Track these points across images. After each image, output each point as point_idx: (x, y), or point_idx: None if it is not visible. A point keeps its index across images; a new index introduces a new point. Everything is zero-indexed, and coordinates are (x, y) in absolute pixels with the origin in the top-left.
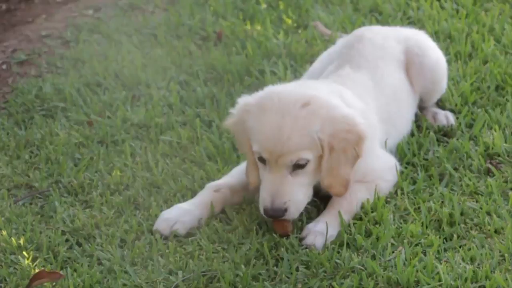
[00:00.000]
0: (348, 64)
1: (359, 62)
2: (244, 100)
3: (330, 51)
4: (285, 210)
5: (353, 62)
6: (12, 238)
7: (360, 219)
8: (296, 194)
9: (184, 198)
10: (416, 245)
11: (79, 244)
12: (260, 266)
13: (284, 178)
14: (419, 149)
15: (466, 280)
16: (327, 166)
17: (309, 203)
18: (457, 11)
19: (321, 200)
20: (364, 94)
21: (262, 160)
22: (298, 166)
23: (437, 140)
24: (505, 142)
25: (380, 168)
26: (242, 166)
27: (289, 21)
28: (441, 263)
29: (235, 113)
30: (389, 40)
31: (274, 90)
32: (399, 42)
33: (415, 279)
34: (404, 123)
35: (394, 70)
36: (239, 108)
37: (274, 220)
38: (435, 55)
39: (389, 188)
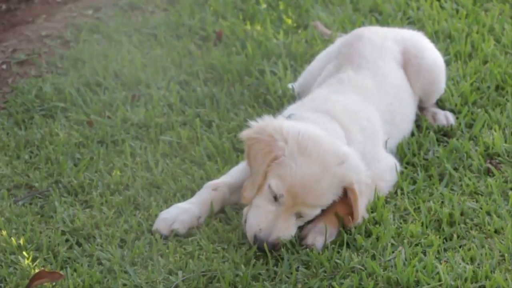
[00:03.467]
0: (349, 65)
1: (359, 62)
2: (275, 124)
3: (329, 50)
4: (277, 244)
5: (353, 62)
6: (12, 238)
7: None
8: (289, 232)
9: (184, 198)
10: (416, 245)
11: (79, 244)
12: (260, 266)
13: (289, 220)
14: (419, 149)
15: (466, 280)
16: (357, 208)
17: None
18: (457, 11)
19: None
20: (368, 99)
21: (275, 196)
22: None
23: (437, 140)
24: (505, 142)
25: (380, 169)
26: (241, 165)
27: (289, 21)
28: (441, 263)
29: (260, 132)
30: (387, 40)
31: (317, 136)
32: (397, 42)
33: (415, 279)
34: (405, 122)
35: (394, 69)
36: (268, 130)
37: None
38: (432, 56)
39: (389, 188)
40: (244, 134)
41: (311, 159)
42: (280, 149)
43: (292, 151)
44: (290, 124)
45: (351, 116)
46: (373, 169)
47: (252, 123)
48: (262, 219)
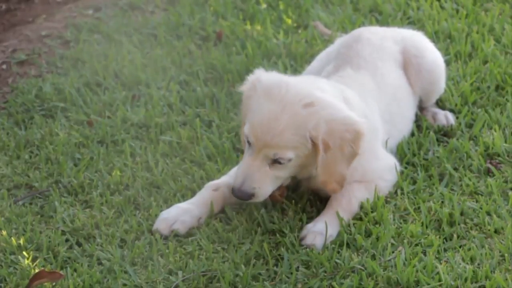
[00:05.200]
0: (348, 65)
1: (358, 63)
2: (258, 75)
3: (328, 51)
4: (252, 195)
5: (352, 62)
6: (12, 238)
7: (360, 219)
8: (266, 184)
9: (184, 198)
10: (416, 245)
11: (79, 244)
12: (260, 266)
13: (261, 167)
14: (419, 149)
15: (466, 280)
16: (323, 164)
17: (308, 203)
18: (457, 11)
19: (320, 200)
20: (367, 95)
21: (248, 142)
22: (278, 161)
23: (437, 140)
24: (505, 142)
25: (379, 168)
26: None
27: (289, 21)
28: (441, 263)
29: (247, 83)
30: (386, 41)
31: (285, 81)
32: (396, 42)
33: (415, 279)
34: (405, 122)
35: (393, 69)
36: (251, 81)
37: None
38: (432, 55)
39: (389, 188)
40: (241, 87)
41: (272, 99)
42: (252, 96)
43: (259, 96)
44: (271, 74)
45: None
46: (372, 167)
47: (248, 77)
48: (239, 171)
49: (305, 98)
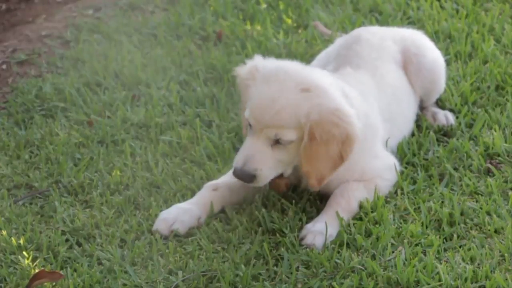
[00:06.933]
0: (348, 65)
1: (358, 63)
2: (256, 62)
3: (328, 51)
4: (254, 176)
5: (352, 63)
6: (12, 238)
7: (360, 219)
8: (268, 167)
9: (184, 198)
10: (416, 245)
11: (79, 244)
12: (260, 266)
13: (263, 147)
14: (419, 149)
15: (466, 280)
16: (305, 152)
17: (308, 203)
18: (457, 11)
19: (320, 200)
20: (367, 93)
21: (250, 125)
22: (279, 142)
23: (437, 140)
24: (505, 142)
25: (378, 167)
26: None
27: (289, 21)
28: (441, 263)
29: (245, 70)
30: (386, 41)
31: (284, 67)
32: (395, 42)
33: (415, 279)
34: (405, 122)
35: (392, 70)
36: (249, 69)
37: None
38: (432, 54)
39: (388, 187)
40: (236, 72)
41: (271, 83)
42: (251, 82)
43: (258, 81)
44: (269, 61)
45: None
46: (371, 166)
47: (245, 61)
48: (240, 152)
49: (303, 83)
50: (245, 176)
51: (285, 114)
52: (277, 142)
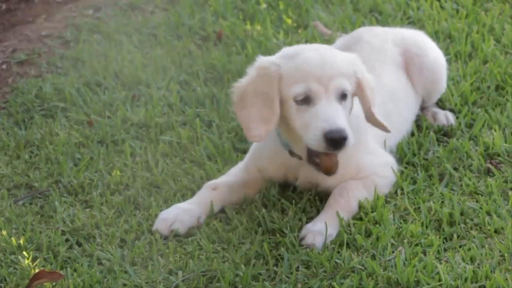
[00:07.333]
0: None
1: None
2: (266, 58)
3: None
4: (346, 138)
5: None
6: (12, 238)
7: (360, 219)
8: (348, 128)
9: (184, 198)
10: (416, 245)
11: (79, 244)
12: (260, 266)
13: (338, 106)
14: (419, 149)
15: (466, 280)
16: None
17: (308, 203)
18: (457, 11)
19: (320, 200)
20: None
21: (305, 101)
22: (345, 96)
23: (437, 140)
24: (505, 142)
25: (374, 163)
26: (241, 165)
27: (289, 21)
28: (441, 263)
29: (254, 72)
30: (386, 43)
31: (303, 46)
32: (396, 44)
33: (415, 279)
34: (403, 122)
35: (392, 71)
36: (261, 65)
37: (321, 156)
38: (434, 54)
39: (387, 185)
40: (238, 84)
41: (309, 51)
42: (277, 69)
43: (288, 60)
44: (278, 53)
45: None
46: (366, 162)
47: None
48: (319, 118)
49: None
50: (342, 134)
51: (341, 62)
52: (343, 97)
